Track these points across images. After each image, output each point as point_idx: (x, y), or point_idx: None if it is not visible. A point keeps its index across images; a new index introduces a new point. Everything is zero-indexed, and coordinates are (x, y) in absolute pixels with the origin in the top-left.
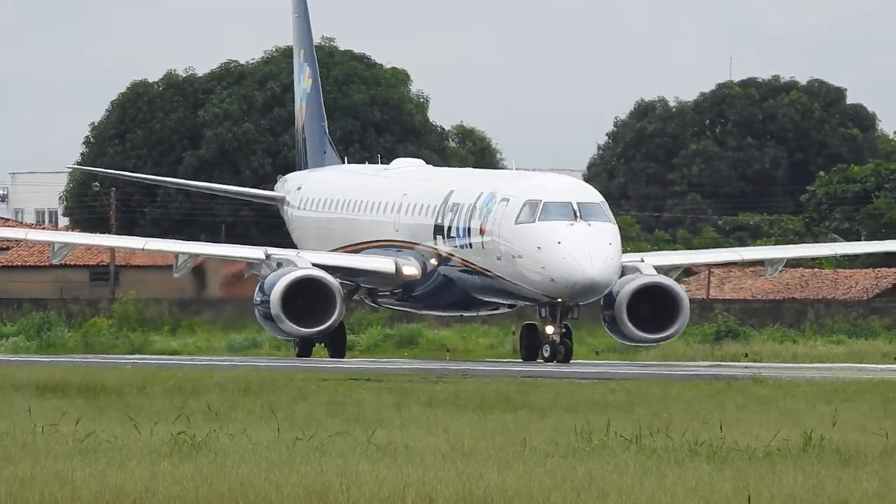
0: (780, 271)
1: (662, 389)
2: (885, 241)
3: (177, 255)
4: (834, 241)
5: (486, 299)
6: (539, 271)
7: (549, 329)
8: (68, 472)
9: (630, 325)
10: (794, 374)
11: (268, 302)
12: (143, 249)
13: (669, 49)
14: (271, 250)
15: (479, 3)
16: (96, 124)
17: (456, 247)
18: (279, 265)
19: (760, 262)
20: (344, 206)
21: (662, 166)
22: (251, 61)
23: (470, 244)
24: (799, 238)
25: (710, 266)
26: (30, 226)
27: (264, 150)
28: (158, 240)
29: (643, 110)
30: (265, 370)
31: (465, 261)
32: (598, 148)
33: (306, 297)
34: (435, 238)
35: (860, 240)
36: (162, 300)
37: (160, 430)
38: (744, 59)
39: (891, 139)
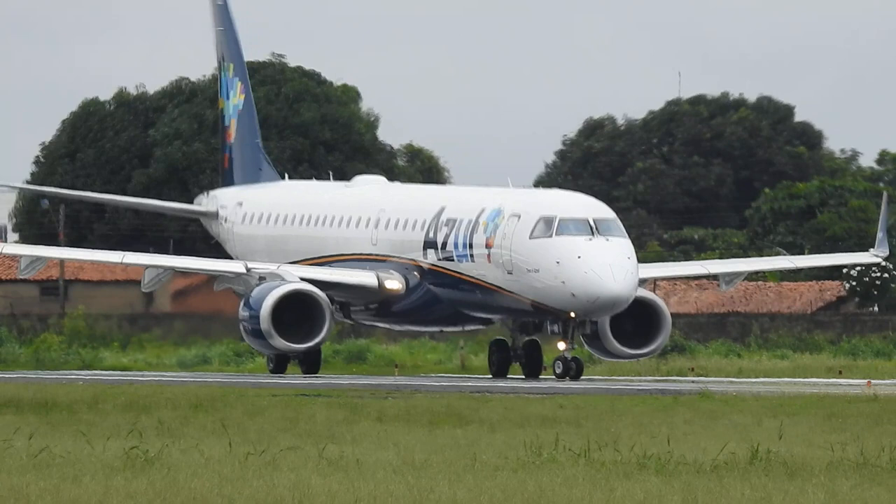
0: (733, 286)
1: (610, 404)
2: (839, 255)
3: (147, 268)
4: (779, 254)
5: (483, 315)
6: (558, 286)
7: (561, 345)
8: (23, 487)
9: (613, 341)
10: (740, 388)
11: (257, 317)
12: (121, 262)
13: (619, 67)
14: (251, 264)
15: (432, 21)
16: (47, 144)
17: (452, 261)
18: (261, 279)
19: (729, 275)
20: (303, 221)
21: (608, 184)
22: (202, 78)
23: (471, 257)
24: (743, 252)
25: (676, 279)
26: None
27: (213, 169)
28: (137, 253)
29: (591, 128)
30: (216, 386)
31: (463, 275)
32: (546, 166)
33: (293, 311)
34: (425, 252)
35: (803, 253)
36: (112, 315)
37: (113, 446)
38: (693, 76)
39: (836, 157)
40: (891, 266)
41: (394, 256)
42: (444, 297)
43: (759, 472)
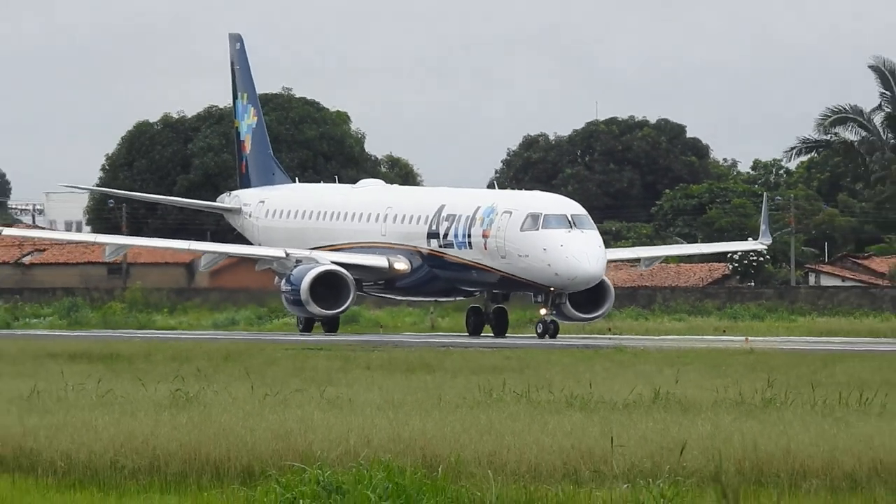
0: (652, 266)
1: (546, 356)
2: (737, 243)
3: (204, 253)
4: (678, 242)
5: (474, 289)
6: (545, 267)
7: (543, 311)
8: (91, 421)
9: (570, 308)
10: (647, 344)
11: (297, 290)
12: (188, 249)
13: (550, 95)
14: (289, 250)
15: (404, 59)
16: (110, 155)
17: (452, 248)
18: (298, 262)
19: (651, 259)
20: (319, 216)
21: (545, 186)
22: (228, 105)
23: (469, 245)
24: (650, 241)
25: (620, 261)
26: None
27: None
28: (199, 242)
29: (529, 143)
30: (242, 342)
31: (462, 259)
32: (495, 171)
33: (324, 285)
34: (428, 241)
35: (696, 242)
36: (161, 289)
37: (161, 388)
38: (607, 102)
39: (720, 164)
40: (764, 251)
41: (399, 244)
42: (441, 276)
43: (659, 409)
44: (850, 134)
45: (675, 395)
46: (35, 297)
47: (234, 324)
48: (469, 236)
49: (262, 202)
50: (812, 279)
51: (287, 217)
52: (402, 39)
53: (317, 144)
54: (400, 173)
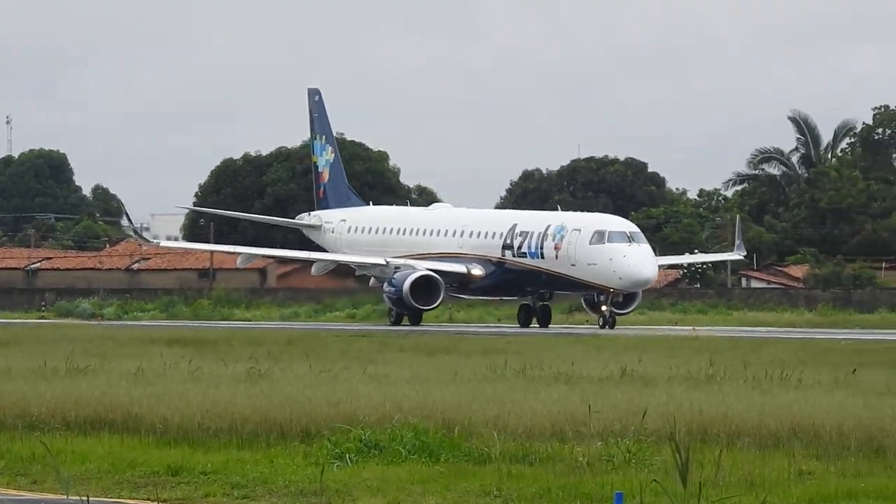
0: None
1: (540, 341)
2: (717, 254)
3: (316, 261)
4: None
5: (546, 289)
6: (611, 273)
7: (604, 308)
8: (184, 392)
9: (607, 306)
10: (618, 332)
11: (399, 290)
12: (309, 258)
13: (544, 138)
14: (389, 259)
15: (428, 106)
16: (202, 184)
17: (526, 258)
18: (396, 269)
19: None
20: (399, 231)
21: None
22: (294, 146)
23: (541, 254)
24: None
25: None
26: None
27: (303, 200)
28: (315, 252)
29: (526, 176)
30: (302, 331)
31: (533, 266)
32: (500, 198)
33: (418, 287)
34: (503, 252)
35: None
36: (241, 289)
37: (239, 367)
38: (588, 143)
39: (674, 192)
40: (708, 261)
41: (474, 254)
42: (511, 278)
43: (626, 383)
44: (773, 169)
45: (638, 372)
46: (141, 296)
47: (296, 316)
48: (542, 248)
49: (344, 220)
50: (744, 282)
51: (367, 232)
52: (429, 91)
53: (363, 176)
54: (427, 200)
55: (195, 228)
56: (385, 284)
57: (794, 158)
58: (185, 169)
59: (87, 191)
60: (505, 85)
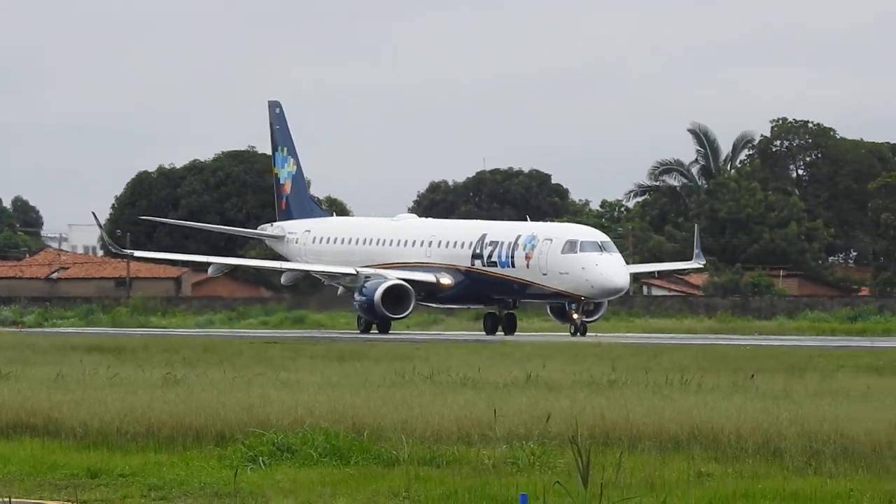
0: None
1: (446, 347)
2: (676, 263)
3: (286, 271)
4: None
5: (511, 297)
6: (583, 281)
7: (575, 316)
8: (103, 397)
9: (576, 314)
10: (521, 339)
11: (371, 299)
12: (277, 268)
13: (450, 151)
14: (359, 268)
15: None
16: (118, 196)
17: (496, 267)
18: (367, 278)
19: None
20: (365, 241)
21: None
22: (207, 159)
23: (511, 263)
24: None
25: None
26: (83, 256)
27: (215, 211)
28: (282, 262)
29: (434, 187)
30: (217, 338)
31: (504, 275)
32: (408, 209)
33: (390, 295)
34: (472, 261)
35: None
36: (157, 297)
37: (156, 373)
38: (492, 155)
39: (577, 203)
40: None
41: (442, 264)
42: (480, 287)
43: (530, 388)
44: (673, 181)
45: (542, 378)
46: (61, 304)
47: (211, 323)
48: (512, 257)
49: (308, 231)
50: (645, 290)
51: (332, 242)
52: (339, 110)
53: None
54: (338, 211)
55: (113, 237)
56: (356, 293)
57: (694, 170)
58: (100, 181)
59: (7, 202)
60: (415, 104)
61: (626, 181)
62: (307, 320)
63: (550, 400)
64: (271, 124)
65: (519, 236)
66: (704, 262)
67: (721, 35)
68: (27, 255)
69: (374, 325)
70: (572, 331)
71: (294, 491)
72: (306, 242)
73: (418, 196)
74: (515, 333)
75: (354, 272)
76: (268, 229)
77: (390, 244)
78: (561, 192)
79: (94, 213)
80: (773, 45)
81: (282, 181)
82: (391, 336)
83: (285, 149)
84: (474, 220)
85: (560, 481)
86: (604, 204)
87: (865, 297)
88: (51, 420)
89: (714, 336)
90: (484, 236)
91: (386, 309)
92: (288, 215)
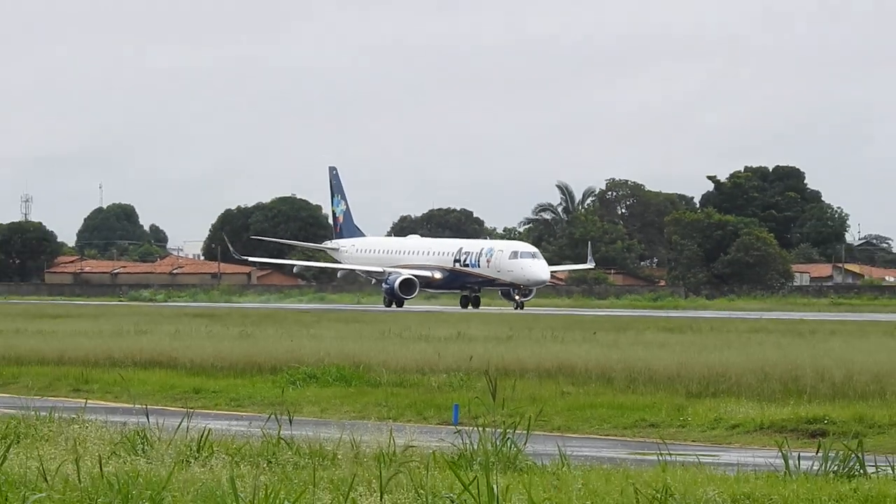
0: None
1: (407, 317)
2: (574, 265)
3: (341, 270)
4: None
5: (477, 286)
6: (521, 275)
7: (517, 297)
8: (203, 345)
9: (516, 296)
10: (472, 311)
11: (392, 286)
12: (336, 268)
13: (414, 194)
14: (386, 268)
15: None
16: (213, 224)
17: (469, 267)
18: (389, 274)
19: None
20: (388, 251)
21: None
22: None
23: (478, 265)
24: None
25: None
26: (192, 259)
27: (271, 234)
28: (335, 264)
29: (403, 218)
30: (272, 309)
31: (474, 272)
32: (387, 231)
33: (403, 283)
34: (454, 264)
35: None
36: (236, 284)
37: (235, 330)
38: (440, 201)
39: (489, 228)
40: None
41: (435, 265)
42: (458, 279)
43: (461, 341)
44: (547, 215)
45: (469, 334)
46: (178, 289)
47: (268, 301)
48: (478, 262)
49: (354, 245)
50: None
51: (369, 252)
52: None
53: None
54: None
55: (210, 248)
56: (383, 283)
57: (560, 209)
58: (202, 214)
59: (146, 227)
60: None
61: (518, 215)
62: (326, 299)
63: (473, 348)
64: (331, 182)
65: (483, 248)
66: (594, 265)
67: (571, 122)
68: (158, 259)
69: (394, 303)
70: (515, 306)
71: (317, 402)
72: (353, 253)
73: (392, 224)
74: (480, 308)
75: (383, 270)
76: (328, 244)
77: (404, 253)
78: (479, 221)
79: (224, 236)
80: (606, 129)
81: (337, 215)
82: (403, 309)
83: (339, 195)
84: (455, 239)
85: (478, 397)
86: (505, 229)
87: (662, 286)
88: (171, 358)
89: (571, 309)
90: (461, 248)
91: (401, 293)
92: (340, 236)
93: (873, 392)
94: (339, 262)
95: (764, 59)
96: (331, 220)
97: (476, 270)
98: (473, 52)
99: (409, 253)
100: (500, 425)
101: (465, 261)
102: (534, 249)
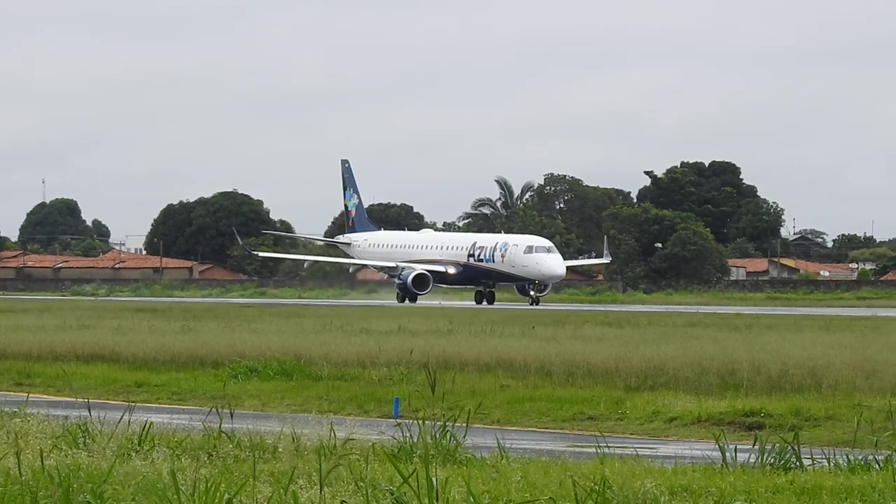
0: None
1: (352, 311)
2: (588, 260)
3: (353, 265)
4: None
5: (492, 281)
6: (536, 271)
7: (532, 293)
8: (145, 339)
9: (532, 292)
10: (402, 305)
11: (405, 282)
12: (351, 263)
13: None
14: (398, 263)
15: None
16: (155, 218)
17: (483, 262)
18: (402, 269)
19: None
20: (402, 246)
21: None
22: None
23: (493, 260)
24: None
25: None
26: (134, 254)
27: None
28: (349, 259)
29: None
30: (213, 304)
31: (488, 267)
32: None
33: (416, 279)
34: (468, 258)
35: None
36: (178, 279)
37: (177, 324)
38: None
39: (429, 223)
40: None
41: (449, 260)
42: (473, 275)
43: (401, 334)
44: (486, 210)
45: (409, 328)
46: (120, 283)
47: (209, 295)
48: (493, 256)
49: (366, 239)
50: None
51: (381, 247)
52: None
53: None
54: (285, 228)
55: (152, 243)
56: (396, 279)
57: (499, 204)
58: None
59: (89, 222)
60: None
61: (457, 209)
62: (267, 294)
63: (414, 341)
64: (343, 174)
65: (497, 243)
66: (610, 259)
67: (512, 118)
68: (100, 254)
69: (407, 298)
70: (530, 302)
71: (259, 395)
72: (365, 247)
73: (333, 220)
74: (494, 303)
75: (395, 265)
76: (340, 238)
77: (417, 248)
78: (419, 216)
79: (235, 231)
80: (546, 125)
81: (349, 209)
82: (416, 304)
83: (351, 189)
84: (469, 234)
85: (418, 390)
86: (445, 223)
87: (601, 280)
88: (113, 353)
89: (509, 303)
90: (475, 243)
91: (415, 288)
92: (352, 230)
93: (809, 385)
94: (352, 258)
95: (702, 58)
96: (344, 214)
97: (490, 265)
98: (418, 50)
99: (422, 247)
100: (440, 418)
101: (479, 255)
102: (549, 244)
